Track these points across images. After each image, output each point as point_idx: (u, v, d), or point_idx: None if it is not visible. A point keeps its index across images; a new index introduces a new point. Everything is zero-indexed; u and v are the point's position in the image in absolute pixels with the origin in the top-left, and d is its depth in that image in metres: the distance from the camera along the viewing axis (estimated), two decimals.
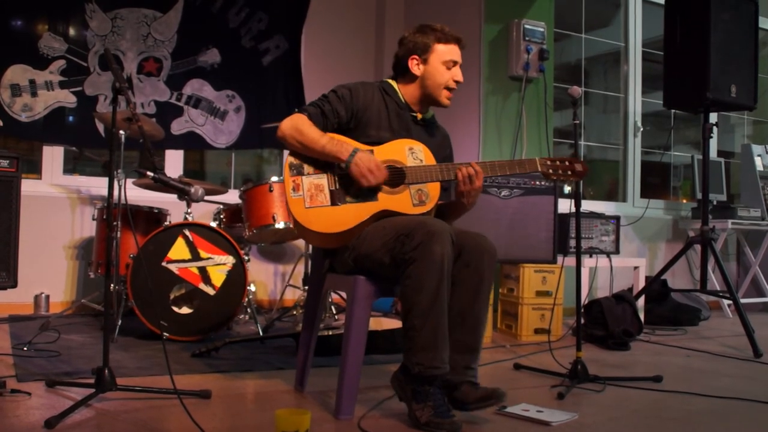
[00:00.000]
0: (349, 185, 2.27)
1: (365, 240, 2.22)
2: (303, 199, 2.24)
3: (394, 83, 2.47)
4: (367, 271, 2.24)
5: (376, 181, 2.23)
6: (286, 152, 5.44)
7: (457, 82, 2.42)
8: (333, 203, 2.25)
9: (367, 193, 2.26)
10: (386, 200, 2.27)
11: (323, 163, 2.29)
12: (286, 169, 2.28)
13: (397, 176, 2.29)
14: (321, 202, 2.24)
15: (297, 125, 2.27)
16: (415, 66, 2.41)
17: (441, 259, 2.04)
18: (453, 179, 2.31)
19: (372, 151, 2.29)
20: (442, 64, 2.39)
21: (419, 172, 2.29)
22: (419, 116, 2.46)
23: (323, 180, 2.27)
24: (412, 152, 2.33)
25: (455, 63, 2.42)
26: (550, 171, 2.37)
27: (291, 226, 3.73)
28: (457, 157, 2.63)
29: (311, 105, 2.35)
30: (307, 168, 2.28)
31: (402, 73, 2.46)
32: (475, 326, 2.19)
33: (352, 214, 2.24)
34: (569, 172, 2.38)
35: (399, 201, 2.28)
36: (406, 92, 2.45)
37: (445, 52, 2.40)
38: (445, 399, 2.10)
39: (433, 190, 2.31)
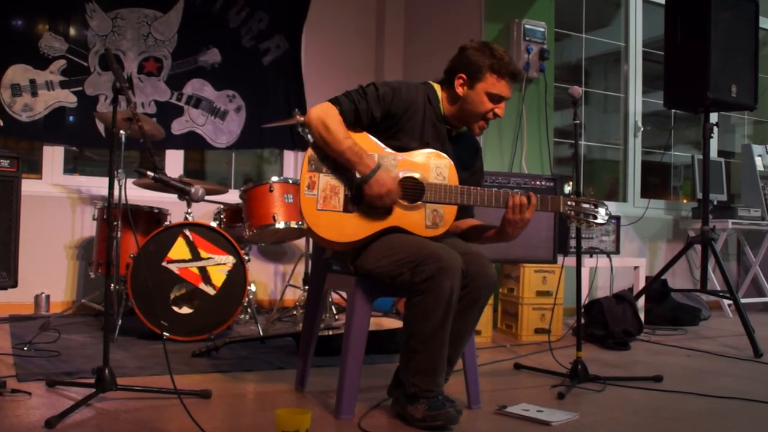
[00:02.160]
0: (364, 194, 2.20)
1: (371, 254, 2.17)
2: (316, 200, 2.16)
3: (438, 89, 2.35)
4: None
5: (389, 203, 2.16)
6: (286, 152, 5.47)
7: (496, 115, 2.28)
8: (345, 209, 2.17)
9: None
10: (399, 216, 2.19)
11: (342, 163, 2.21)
12: (305, 163, 2.19)
13: (415, 192, 2.21)
14: (333, 206, 2.17)
15: (326, 119, 2.16)
16: (459, 85, 2.27)
17: (450, 294, 2.02)
18: (468, 204, 2.22)
19: (396, 159, 2.20)
20: (486, 94, 2.25)
21: (439, 192, 2.19)
22: (454, 132, 2.36)
23: (340, 182, 2.19)
24: (438, 168, 2.22)
25: (501, 99, 2.27)
26: (572, 213, 2.27)
27: (293, 225, 3.73)
28: None
29: (347, 97, 2.21)
30: (326, 165, 2.19)
31: (448, 84, 2.32)
32: (455, 339, 2.16)
33: (362, 225, 2.17)
34: (591, 217, 2.28)
35: (412, 220, 2.19)
36: (446, 104, 2.32)
37: (494, 84, 2.24)
38: (439, 396, 2.10)
39: (449, 213, 2.22)
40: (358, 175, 2.16)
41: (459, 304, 2.12)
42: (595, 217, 2.29)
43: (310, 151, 2.21)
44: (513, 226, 2.21)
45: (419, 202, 2.20)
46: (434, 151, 2.25)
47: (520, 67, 4.44)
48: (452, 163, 2.25)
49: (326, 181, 2.18)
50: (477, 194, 2.21)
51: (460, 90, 2.28)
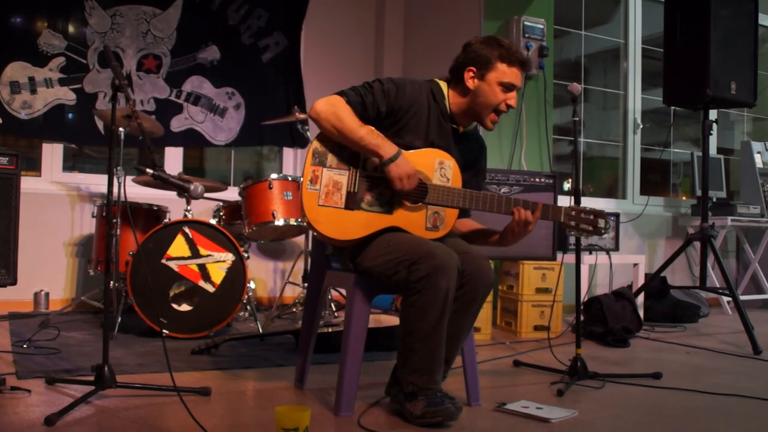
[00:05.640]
0: (368, 190, 2.18)
1: (369, 252, 2.16)
2: (318, 195, 2.14)
3: (444, 86, 2.32)
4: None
5: (407, 189, 2.14)
6: (286, 149, 5.46)
7: (509, 106, 2.29)
8: (347, 207, 2.15)
9: (384, 203, 2.18)
10: (400, 216, 2.18)
11: (348, 157, 2.18)
12: (309, 156, 2.15)
13: (418, 192, 2.17)
14: (335, 203, 2.14)
15: (337, 110, 2.13)
16: (469, 78, 2.26)
17: (446, 293, 2.02)
18: (470, 209, 2.22)
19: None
20: (498, 84, 2.24)
21: (442, 194, 2.18)
22: (461, 129, 2.34)
23: (343, 178, 2.16)
24: (441, 167, 2.21)
25: (513, 87, 2.27)
26: (572, 223, 2.27)
27: (292, 222, 3.73)
28: None
29: (353, 91, 2.19)
30: (330, 159, 2.16)
31: (456, 80, 2.30)
32: (452, 338, 2.16)
33: (363, 223, 2.16)
34: (590, 228, 2.27)
35: (413, 220, 2.19)
36: (454, 101, 2.30)
37: (505, 72, 2.25)
38: (438, 393, 2.10)
39: (450, 216, 2.21)
40: (383, 158, 2.11)
41: (456, 304, 2.12)
42: (594, 230, 2.28)
43: (315, 144, 2.17)
44: (516, 236, 2.25)
45: (421, 203, 2.19)
46: (439, 150, 2.24)
47: None
48: (456, 163, 2.24)
49: (329, 176, 2.15)
50: (480, 199, 2.20)
51: (470, 83, 2.26)
